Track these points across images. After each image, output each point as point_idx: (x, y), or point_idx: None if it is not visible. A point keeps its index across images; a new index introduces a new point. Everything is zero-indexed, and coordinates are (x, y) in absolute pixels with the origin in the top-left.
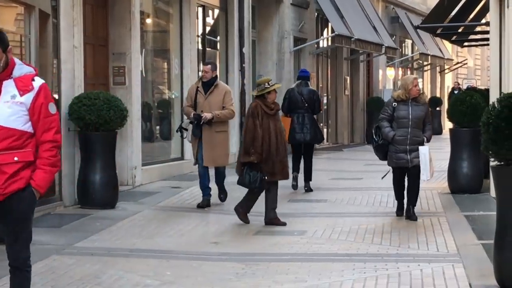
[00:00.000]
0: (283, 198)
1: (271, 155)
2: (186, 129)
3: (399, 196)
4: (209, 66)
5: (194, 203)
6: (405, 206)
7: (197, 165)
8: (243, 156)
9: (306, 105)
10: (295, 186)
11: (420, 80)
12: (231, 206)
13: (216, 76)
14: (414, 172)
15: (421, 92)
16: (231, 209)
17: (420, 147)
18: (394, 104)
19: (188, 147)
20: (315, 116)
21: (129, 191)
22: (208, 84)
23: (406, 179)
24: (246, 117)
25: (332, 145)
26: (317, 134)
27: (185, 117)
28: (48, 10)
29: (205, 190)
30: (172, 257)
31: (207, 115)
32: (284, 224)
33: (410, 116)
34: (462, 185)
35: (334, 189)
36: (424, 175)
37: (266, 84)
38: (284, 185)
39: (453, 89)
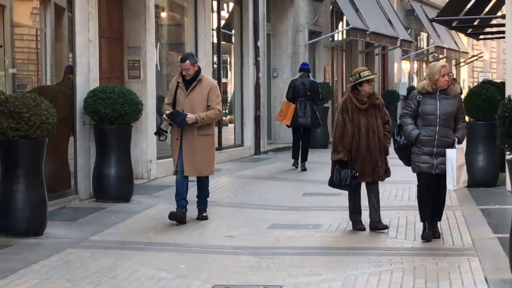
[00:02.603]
0: (298, 191)
1: (361, 154)
2: (166, 131)
3: (425, 215)
4: (187, 62)
5: (209, 197)
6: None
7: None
8: (332, 154)
9: (309, 93)
10: (296, 167)
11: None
12: (245, 199)
13: (199, 69)
14: (440, 180)
15: (452, 81)
16: (245, 202)
17: (447, 151)
18: (419, 97)
19: None
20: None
21: (144, 184)
22: (190, 79)
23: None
24: (338, 112)
25: None
26: (315, 120)
27: (164, 117)
28: (63, 4)
29: (181, 201)
30: (186, 250)
31: (191, 117)
32: (386, 227)
33: (438, 112)
34: (477, 179)
35: None
36: (450, 184)
37: (357, 75)
38: (298, 178)
39: None
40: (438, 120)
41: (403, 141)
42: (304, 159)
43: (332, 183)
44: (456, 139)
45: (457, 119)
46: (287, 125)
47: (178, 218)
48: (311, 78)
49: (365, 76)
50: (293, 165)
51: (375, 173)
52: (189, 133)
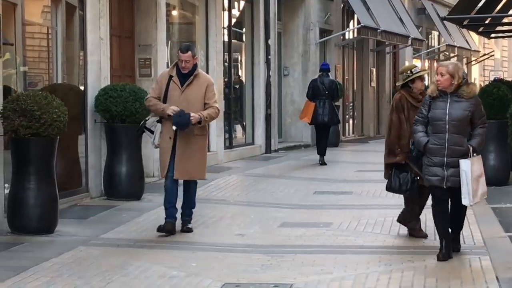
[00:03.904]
0: (309, 190)
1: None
2: (152, 131)
3: (441, 231)
4: (189, 53)
5: (220, 195)
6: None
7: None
8: (388, 157)
9: (327, 92)
10: (322, 164)
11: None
12: (256, 198)
13: (196, 64)
14: (456, 194)
15: (467, 82)
16: (256, 200)
17: (461, 161)
18: (430, 102)
19: (214, 139)
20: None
21: (155, 182)
22: (186, 74)
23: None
24: (390, 112)
25: (358, 137)
26: (333, 117)
27: (151, 114)
28: (74, 2)
29: (171, 210)
30: (197, 248)
31: (195, 117)
32: (425, 236)
33: (447, 117)
34: (488, 178)
35: (360, 181)
36: (466, 199)
37: (409, 71)
38: (309, 177)
39: None
40: (447, 126)
41: (415, 152)
42: (322, 153)
43: (391, 188)
44: (471, 148)
45: (474, 125)
46: (308, 123)
47: (167, 230)
48: (330, 78)
49: (417, 72)
50: (319, 161)
51: None
52: (185, 132)
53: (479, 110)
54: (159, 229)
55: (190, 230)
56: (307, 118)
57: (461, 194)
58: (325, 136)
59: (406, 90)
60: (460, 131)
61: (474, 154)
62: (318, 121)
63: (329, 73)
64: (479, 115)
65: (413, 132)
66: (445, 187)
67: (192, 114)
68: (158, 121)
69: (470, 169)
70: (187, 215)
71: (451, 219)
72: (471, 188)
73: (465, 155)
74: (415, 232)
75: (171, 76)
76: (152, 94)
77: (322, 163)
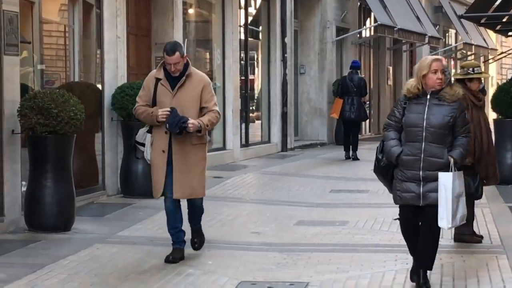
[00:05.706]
0: (325, 188)
1: (483, 155)
2: (143, 144)
3: (414, 251)
4: (177, 54)
5: (236, 193)
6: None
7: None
8: None
9: (355, 89)
10: (348, 158)
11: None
12: (272, 196)
13: (188, 61)
14: (430, 214)
15: (451, 83)
16: (272, 198)
17: (440, 175)
18: (405, 103)
19: (230, 137)
20: (363, 99)
21: None
22: (176, 76)
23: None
24: None
25: (374, 135)
26: (361, 113)
27: (141, 128)
28: (91, 0)
29: (177, 235)
30: (213, 246)
31: (194, 124)
32: (480, 238)
33: (424, 123)
34: (506, 176)
35: (376, 179)
36: (443, 220)
37: (470, 69)
38: (325, 175)
39: None
40: (423, 133)
41: (385, 162)
42: (355, 149)
43: None
44: (452, 160)
45: (456, 133)
46: (337, 118)
47: (178, 258)
48: (359, 75)
49: (479, 73)
50: (345, 156)
51: (496, 176)
52: (181, 141)
53: (462, 117)
54: (168, 259)
55: (199, 246)
56: (336, 114)
57: (434, 215)
58: (355, 132)
59: (467, 89)
60: (438, 140)
61: (456, 168)
62: (346, 117)
63: (359, 71)
64: (462, 122)
65: (384, 139)
66: (421, 205)
67: (190, 121)
68: (148, 131)
69: (452, 185)
70: (197, 235)
71: (420, 248)
72: (451, 207)
73: (445, 169)
74: (466, 237)
75: (158, 79)
76: (140, 103)
77: (355, 158)
